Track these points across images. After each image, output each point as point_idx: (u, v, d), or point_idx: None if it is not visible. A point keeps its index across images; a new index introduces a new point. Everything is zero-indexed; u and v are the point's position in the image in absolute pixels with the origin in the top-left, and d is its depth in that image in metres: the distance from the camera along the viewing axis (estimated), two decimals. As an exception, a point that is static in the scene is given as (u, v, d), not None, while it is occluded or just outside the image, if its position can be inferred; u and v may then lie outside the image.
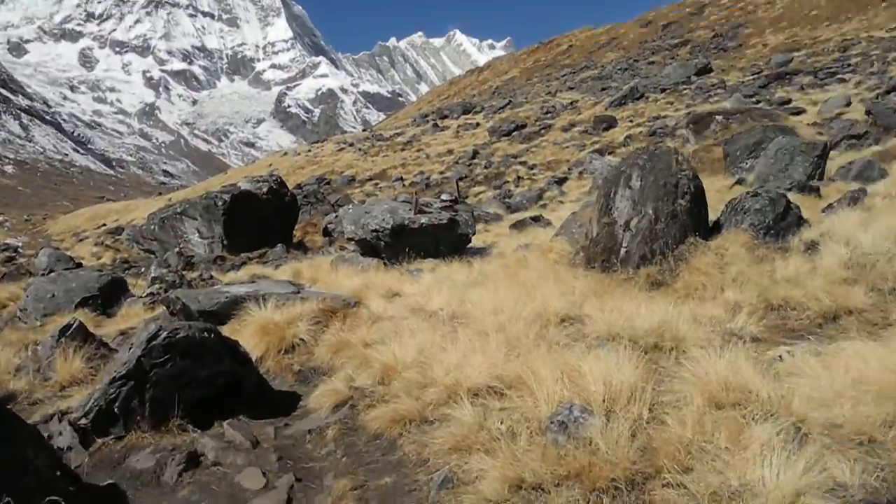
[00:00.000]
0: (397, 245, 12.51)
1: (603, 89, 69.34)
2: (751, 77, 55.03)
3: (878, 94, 36.03)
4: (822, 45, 60.04)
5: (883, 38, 55.46)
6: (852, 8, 70.52)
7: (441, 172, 47.89)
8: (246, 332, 6.81)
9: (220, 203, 25.62)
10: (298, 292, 7.97)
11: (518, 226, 18.08)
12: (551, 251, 10.64)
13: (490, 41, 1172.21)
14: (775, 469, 3.15)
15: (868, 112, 29.04)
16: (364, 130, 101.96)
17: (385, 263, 13.08)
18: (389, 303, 7.93)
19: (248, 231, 25.60)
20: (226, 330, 7.46)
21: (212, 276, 13.01)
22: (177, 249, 24.36)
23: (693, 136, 27.14)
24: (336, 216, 29.86)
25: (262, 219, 26.16)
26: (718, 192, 18.19)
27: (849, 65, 48.76)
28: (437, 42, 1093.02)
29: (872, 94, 36.34)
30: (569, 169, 40.02)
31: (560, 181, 36.01)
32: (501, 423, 4.02)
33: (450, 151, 54.97)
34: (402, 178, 47.97)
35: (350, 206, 14.32)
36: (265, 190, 26.75)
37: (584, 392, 3.97)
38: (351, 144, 70.41)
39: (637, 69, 77.60)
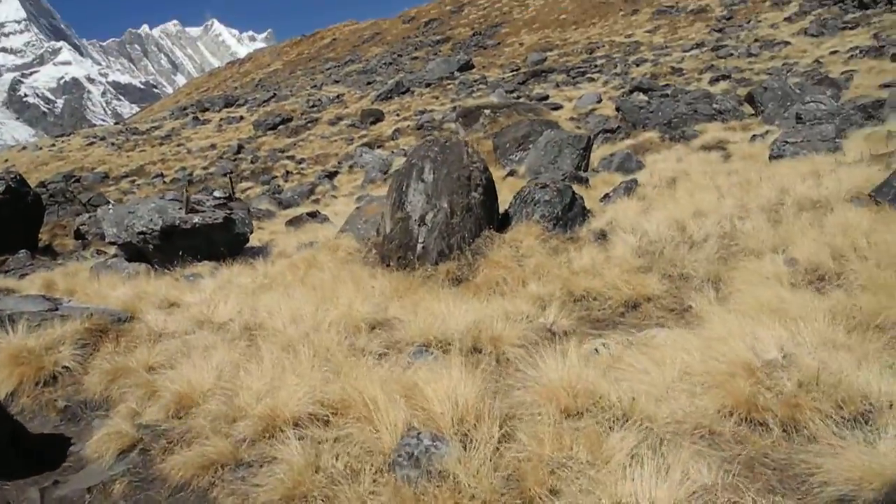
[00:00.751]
0: (168, 248, 11.38)
1: (369, 83, 69.88)
2: (510, 74, 58.00)
3: (623, 93, 39.31)
4: (572, 47, 64.48)
5: (623, 42, 60.60)
6: (595, 14, 76.43)
7: (205, 168, 45.88)
8: (-8, 363, 5.67)
9: (-58, 205, 22.36)
10: (56, 308, 6.84)
11: (294, 222, 17.36)
12: (338, 249, 10.14)
13: (251, 33, 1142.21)
14: (646, 483, 2.93)
15: (617, 109, 31.51)
16: (117, 123, 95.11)
17: (155, 269, 11.90)
18: (169, 315, 7.03)
19: (-19, 236, 22.57)
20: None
21: (-59, 292, 11.09)
22: None
23: (463, 129, 27.76)
24: (90, 217, 27.28)
25: (-2, 222, 23.14)
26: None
27: (596, 65, 52.83)
28: (195, 31, 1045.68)
29: (619, 93, 39.66)
30: (339, 163, 39.77)
31: (331, 175, 35.62)
32: (338, 459, 3.40)
33: (213, 146, 52.89)
34: (162, 175, 45.39)
35: (110, 206, 12.90)
36: (1, 189, 23.75)
37: (428, 414, 3.52)
38: (103, 138, 65.42)
39: (402, 64, 78.93)
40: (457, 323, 5.54)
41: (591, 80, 47.11)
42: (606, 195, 11.78)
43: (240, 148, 49.62)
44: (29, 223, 24.40)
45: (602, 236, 8.95)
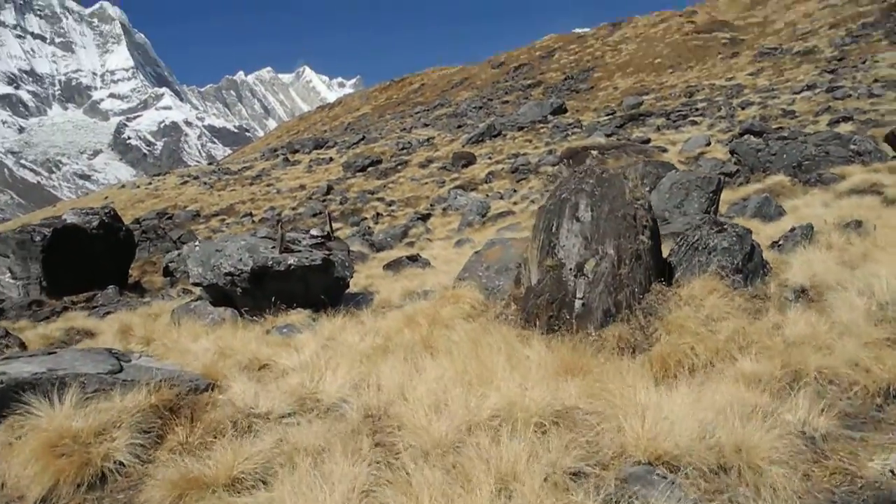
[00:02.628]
0: (259, 292, 9.90)
1: (459, 126, 69.11)
2: (605, 117, 56.25)
3: (731, 136, 37.10)
4: (669, 90, 62.35)
5: (724, 85, 58.12)
6: (692, 58, 74.10)
7: (293, 208, 45.46)
8: (24, 451, 4.11)
9: (37, 238, 21.87)
10: (120, 370, 5.32)
11: (393, 266, 15.82)
12: (460, 301, 8.43)
13: (340, 79, 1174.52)
14: None
15: (732, 152, 29.31)
16: (210, 164, 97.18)
17: (242, 316, 10.44)
18: (260, 384, 5.46)
19: (75, 270, 22.11)
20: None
21: (6, 334, 9.85)
22: (-21, 294, 20.29)
23: (568, 171, 26.02)
24: (179, 254, 26.60)
25: (91, 256, 22.68)
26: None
27: (697, 109, 50.66)
28: (287, 78, 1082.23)
29: (727, 136, 37.46)
30: (431, 205, 38.59)
31: (423, 217, 34.35)
32: None
33: (302, 186, 52.65)
34: (251, 214, 45.22)
35: (196, 244, 11.59)
36: (95, 224, 23.25)
37: None
38: (196, 178, 66.35)
39: (492, 108, 78.13)
40: (679, 426, 3.70)
41: (695, 123, 44.95)
42: (775, 243, 9.77)
43: (329, 189, 49.14)
44: (120, 258, 23.93)
45: (802, 294, 6.97)
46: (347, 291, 11.28)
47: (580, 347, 5.56)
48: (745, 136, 34.18)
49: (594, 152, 25.83)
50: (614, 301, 6.45)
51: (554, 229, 6.97)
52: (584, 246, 6.73)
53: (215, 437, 4.31)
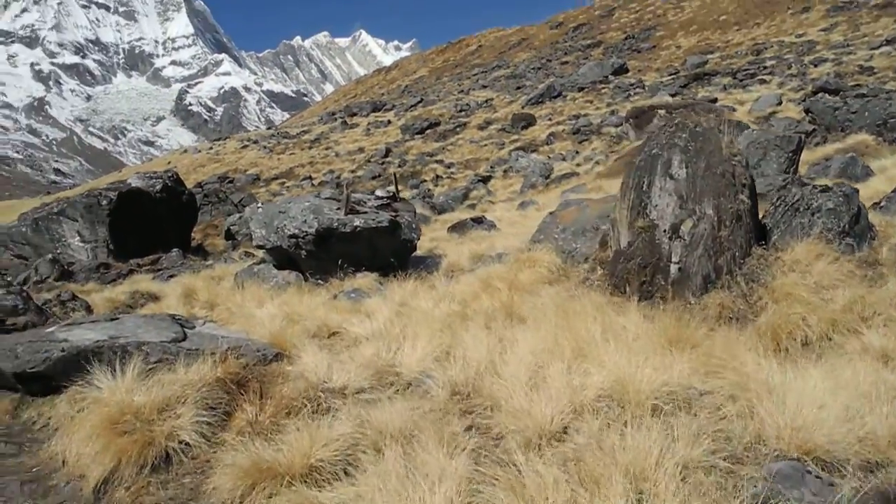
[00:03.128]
0: (323, 255, 9.54)
1: (518, 88, 67.97)
2: (668, 77, 54.57)
3: (803, 94, 35.61)
4: (735, 49, 60.13)
5: (794, 42, 55.79)
6: (759, 14, 71.22)
7: (352, 171, 45.37)
8: (85, 427, 3.78)
9: (104, 202, 22.02)
10: (184, 338, 4.98)
11: (458, 228, 15.35)
12: (536, 264, 7.91)
13: (396, 42, 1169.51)
14: None
15: (807, 111, 27.99)
16: (269, 128, 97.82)
17: (307, 279, 10.11)
18: (332, 355, 5.06)
19: (139, 234, 22.25)
20: (53, 412, 4.43)
21: (73, 298, 9.72)
22: (50, 256, 20.48)
23: (634, 131, 25.09)
24: (240, 217, 26.58)
25: (155, 220, 22.81)
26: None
27: (764, 67, 48.78)
28: (343, 42, 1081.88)
29: (798, 95, 35.97)
30: (491, 167, 37.94)
31: (484, 179, 33.75)
32: None
33: (361, 150, 52.47)
34: (310, 178, 45.26)
35: (259, 205, 11.27)
36: (159, 187, 23.32)
37: None
38: (255, 142, 66.76)
39: (551, 69, 76.57)
40: (823, 411, 3.15)
41: (763, 81, 43.18)
42: (876, 204, 8.99)
43: (387, 151, 48.85)
44: (183, 222, 24.05)
45: (922, 259, 6.27)
46: (414, 254, 10.85)
47: (682, 317, 5.00)
48: (820, 95, 32.60)
49: (661, 111, 24.82)
50: (714, 266, 5.86)
51: (645, 187, 6.37)
52: (679, 205, 6.13)
53: (288, 416, 3.91)
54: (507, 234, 13.76)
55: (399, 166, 44.35)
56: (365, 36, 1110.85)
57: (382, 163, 46.24)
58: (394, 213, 10.31)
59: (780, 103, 33.75)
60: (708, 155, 6.35)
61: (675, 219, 6.07)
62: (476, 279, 7.84)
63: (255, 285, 9.47)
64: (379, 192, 11.29)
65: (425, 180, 39.20)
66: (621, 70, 60.94)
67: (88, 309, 9.84)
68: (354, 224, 9.43)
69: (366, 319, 6.14)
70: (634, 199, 6.37)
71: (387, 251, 10.02)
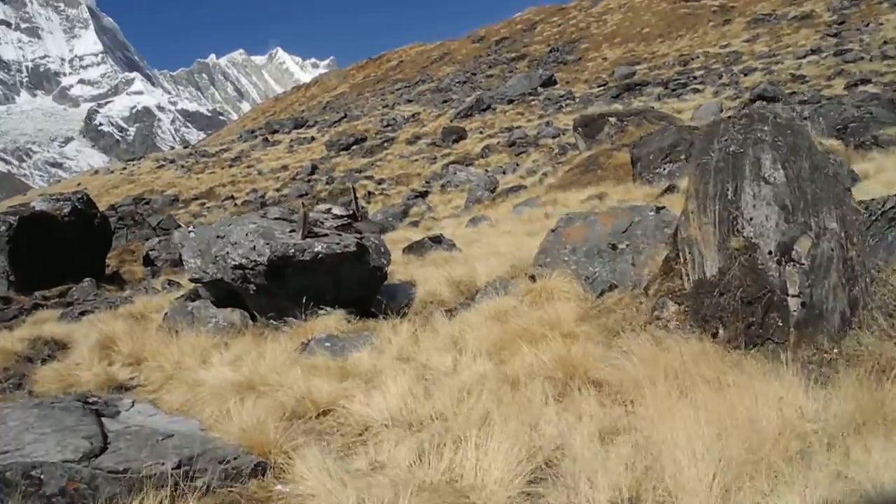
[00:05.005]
0: (277, 289, 7.66)
1: (444, 101, 67.07)
2: (598, 88, 54.55)
3: (742, 103, 35.75)
4: (662, 60, 60.65)
5: (719, 53, 56.61)
6: (682, 26, 72.25)
7: (277, 189, 43.61)
8: None
9: (3, 227, 19.47)
10: (103, 446, 3.13)
11: (414, 249, 13.60)
12: (553, 296, 6.27)
13: (313, 60, 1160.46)
14: None
15: None
16: (186, 147, 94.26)
17: (254, 318, 8.21)
18: (341, 461, 3.31)
19: (46, 262, 19.84)
20: None
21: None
22: (-63, 292, 17.91)
23: (584, 141, 23.82)
24: (160, 241, 24.25)
25: (63, 246, 20.39)
26: (647, 201, 14.72)
27: (694, 77, 49.25)
28: (259, 60, 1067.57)
29: (736, 103, 36.09)
30: (426, 182, 36.60)
31: (422, 195, 32.29)
32: None
33: (284, 167, 50.64)
34: (232, 197, 43.40)
35: (191, 229, 9.34)
36: (67, 210, 20.91)
37: None
38: (172, 161, 63.79)
39: (476, 82, 76.00)
40: None
41: (697, 90, 43.33)
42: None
43: (314, 168, 47.20)
44: (96, 248, 21.74)
45: None
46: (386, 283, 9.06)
47: (863, 384, 3.39)
48: (759, 103, 32.37)
49: (612, 119, 23.67)
50: (849, 299, 4.33)
51: (731, 196, 4.80)
52: (784, 218, 4.57)
53: None
54: (476, 255, 12.13)
55: (326, 184, 42.60)
56: (282, 53, 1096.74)
57: (309, 180, 44.54)
58: (358, 236, 8.51)
59: (721, 111, 33.42)
60: (808, 152, 4.84)
61: (783, 236, 4.51)
62: (484, 318, 6.13)
63: (190, 330, 7.51)
64: (336, 210, 9.48)
65: (356, 198, 37.43)
66: (549, 82, 60.66)
67: (-27, 367, 7.71)
68: (315, 250, 7.58)
69: (369, 390, 4.38)
70: (719, 212, 4.78)
71: (353, 282, 8.20)
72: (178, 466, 3.04)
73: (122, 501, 2.76)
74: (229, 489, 3.10)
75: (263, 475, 3.36)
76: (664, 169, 18.79)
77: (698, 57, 57.33)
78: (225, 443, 3.53)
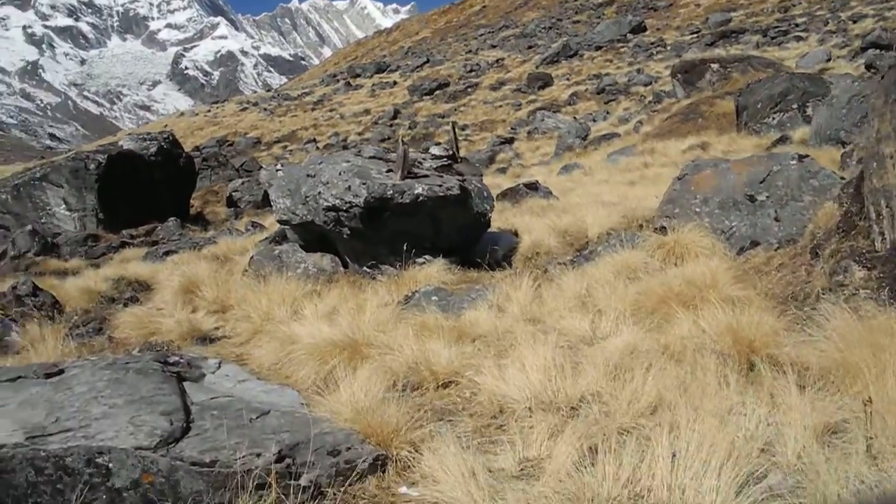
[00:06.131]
0: (373, 234, 6.98)
1: (529, 47, 65.16)
2: (691, 36, 52.01)
3: (852, 52, 33.36)
4: (760, 6, 57.29)
5: (821, -1, 52.94)
6: (785, -30, 67.94)
7: (359, 133, 43.12)
8: None
9: (92, 165, 19.50)
10: (186, 427, 2.50)
11: (509, 196, 12.87)
12: (686, 249, 5.40)
13: (395, 5, 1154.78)
14: None
15: (868, 66, 25.44)
16: (268, 91, 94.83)
17: (345, 265, 7.58)
18: (481, 454, 2.62)
19: (133, 201, 19.85)
20: None
21: (34, 292, 7.15)
22: (29, 227, 18.02)
23: (683, 88, 22.36)
24: (243, 182, 24.07)
25: (149, 185, 20.35)
26: (755, 152, 13.52)
27: (796, 24, 46.33)
28: (341, 5, 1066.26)
29: (845, 52, 33.62)
30: (512, 128, 35.58)
31: (507, 141, 31.24)
32: None
33: (366, 111, 50.04)
34: (314, 140, 43.14)
35: (279, 167, 8.70)
36: (153, 150, 20.81)
37: None
38: (255, 104, 64.00)
39: (562, 28, 73.51)
40: None
41: (800, 38, 40.63)
42: None
43: (396, 113, 46.46)
44: (181, 188, 21.70)
45: None
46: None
47: None
48: (869, 51, 30.04)
49: (714, 65, 22.11)
50: None
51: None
52: None
53: None
54: (576, 203, 11.29)
55: (409, 129, 41.92)
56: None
57: (391, 125, 43.93)
58: (461, 178, 7.73)
59: (829, 59, 31.16)
60: None
61: None
62: (613, 274, 5.31)
63: (277, 275, 6.90)
64: (434, 150, 8.69)
65: (439, 143, 36.70)
66: (639, 28, 58.13)
67: (55, 306, 7.31)
68: (416, 192, 6.84)
69: (498, 358, 3.65)
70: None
71: (454, 228, 7.46)
72: (280, 459, 2.40)
73: (207, 502, 2.12)
74: (344, 490, 2.43)
75: (384, 471, 2.67)
76: (773, 119, 17.40)
77: (801, 3, 53.91)
78: (334, 426, 2.84)
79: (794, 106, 17.38)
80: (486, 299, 5.17)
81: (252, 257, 8.21)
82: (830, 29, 40.74)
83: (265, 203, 19.89)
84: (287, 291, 6.02)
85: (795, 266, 4.68)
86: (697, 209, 6.59)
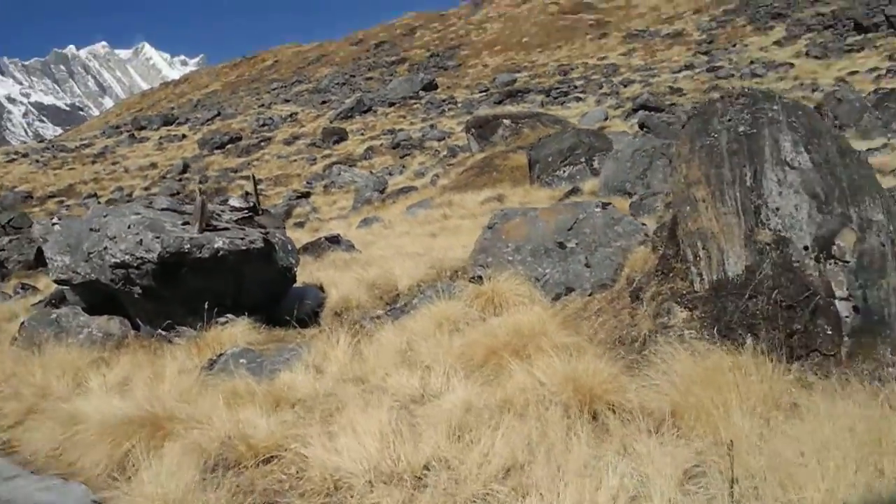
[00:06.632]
0: (168, 292, 6.32)
1: (323, 102, 65.70)
2: (480, 94, 54.65)
3: (625, 112, 36.62)
4: (542, 68, 61.45)
5: (597, 64, 57.93)
6: (560, 38, 73.49)
7: (145, 188, 40.97)
8: None
9: None
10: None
11: (311, 250, 12.49)
12: (502, 298, 5.33)
13: (182, 57, 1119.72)
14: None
15: (641, 125, 28.11)
16: (41, 141, 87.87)
17: (136, 328, 6.85)
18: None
19: None
20: None
21: None
22: None
23: (477, 142, 23.14)
24: (10, 241, 21.74)
25: None
26: (550, 203, 14.18)
27: (575, 86, 50.17)
28: (124, 54, 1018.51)
29: (619, 112, 36.78)
30: (308, 183, 35.33)
31: (304, 195, 30.80)
32: None
33: (153, 165, 47.84)
34: (95, 195, 40.45)
35: (56, 220, 7.83)
36: None
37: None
38: (25, 155, 58.92)
39: (356, 84, 74.79)
40: None
41: (579, 99, 44.06)
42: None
43: (185, 167, 44.76)
44: (-67, 248, 19.15)
45: None
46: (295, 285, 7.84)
47: None
48: (640, 112, 33.00)
49: (506, 121, 23.12)
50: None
51: (750, 182, 3.99)
52: (817, 208, 3.81)
53: None
54: (379, 256, 11.13)
55: (200, 182, 40.25)
56: (148, 49, 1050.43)
57: (180, 179, 42.16)
58: (263, 230, 7.28)
59: (606, 118, 33.86)
60: (830, 134, 4.11)
61: (818, 229, 3.76)
62: (433, 326, 5.09)
63: (56, 343, 6.06)
64: (234, 202, 8.16)
65: (233, 198, 35.56)
66: (431, 86, 60.30)
67: None
68: (216, 246, 6.30)
69: (325, 426, 3.24)
70: (741, 200, 3.95)
71: (258, 284, 6.97)
72: None
73: None
74: None
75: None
76: (564, 171, 18.40)
77: (577, 67, 58.48)
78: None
79: (583, 160, 18.49)
80: (302, 359, 4.75)
81: (23, 323, 7.22)
82: (605, 91, 44.37)
83: (39, 262, 17.99)
84: (68, 361, 5.25)
85: (616, 310, 4.73)
86: (510, 257, 6.59)
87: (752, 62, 43.66)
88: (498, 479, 2.66)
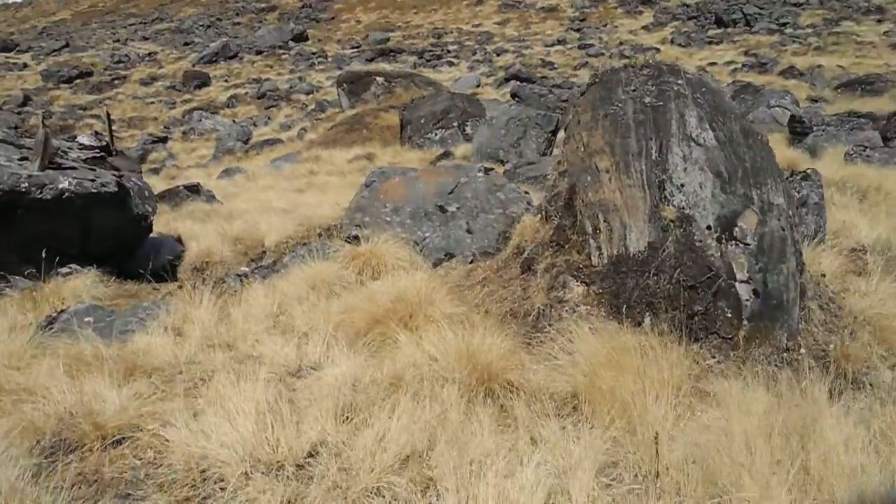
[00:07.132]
0: (1, 236, 5.57)
1: (186, 44, 62.55)
2: (352, 50, 53.67)
3: (497, 80, 36.89)
4: (416, 30, 60.99)
5: (471, 31, 58.12)
6: (436, 1, 73.02)
7: (-25, 121, 37.22)
8: None
9: None
10: None
11: (167, 199, 11.61)
12: (380, 261, 5.01)
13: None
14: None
15: (514, 95, 28.27)
16: None
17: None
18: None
19: None
20: None
21: None
22: None
23: (348, 98, 22.46)
24: None
25: None
26: (422, 165, 13.96)
27: (449, 51, 50.19)
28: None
29: (491, 80, 36.98)
30: (166, 128, 33.42)
31: (160, 140, 29.06)
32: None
33: (-15, 95, 43.55)
34: (-86, 128, 36.23)
35: None
36: None
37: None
38: None
39: (222, 28, 71.56)
40: None
41: (451, 63, 44.10)
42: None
43: (26, 99, 41.12)
44: None
45: None
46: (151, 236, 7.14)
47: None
48: (512, 82, 33.24)
49: (380, 79, 22.55)
50: (798, 286, 3.56)
51: (655, 156, 3.82)
52: (721, 187, 3.69)
53: None
54: (243, 210, 10.52)
55: (45, 118, 37.16)
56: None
57: (19, 112, 38.67)
58: (117, 173, 6.55)
59: (479, 85, 33.87)
60: (734, 114, 4.01)
61: (721, 209, 3.64)
62: (306, 289, 4.67)
63: None
64: (84, 139, 7.32)
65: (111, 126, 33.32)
66: (301, 37, 58.60)
67: None
68: (61, 187, 5.56)
69: (190, 399, 2.77)
70: (647, 174, 3.77)
71: (108, 232, 6.27)
72: None
73: None
74: None
75: None
76: (436, 134, 18.17)
77: (452, 32, 58.34)
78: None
79: (455, 124, 18.31)
80: (159, 320, 4.18)
81: None
82: (478, 58, 44.53)
83: None
84: None
85: (505, 280, 4.48)
86: (388, 218, 6.24)
87: (621, 43, 44.95)
88: (395, 469, 2.34)
